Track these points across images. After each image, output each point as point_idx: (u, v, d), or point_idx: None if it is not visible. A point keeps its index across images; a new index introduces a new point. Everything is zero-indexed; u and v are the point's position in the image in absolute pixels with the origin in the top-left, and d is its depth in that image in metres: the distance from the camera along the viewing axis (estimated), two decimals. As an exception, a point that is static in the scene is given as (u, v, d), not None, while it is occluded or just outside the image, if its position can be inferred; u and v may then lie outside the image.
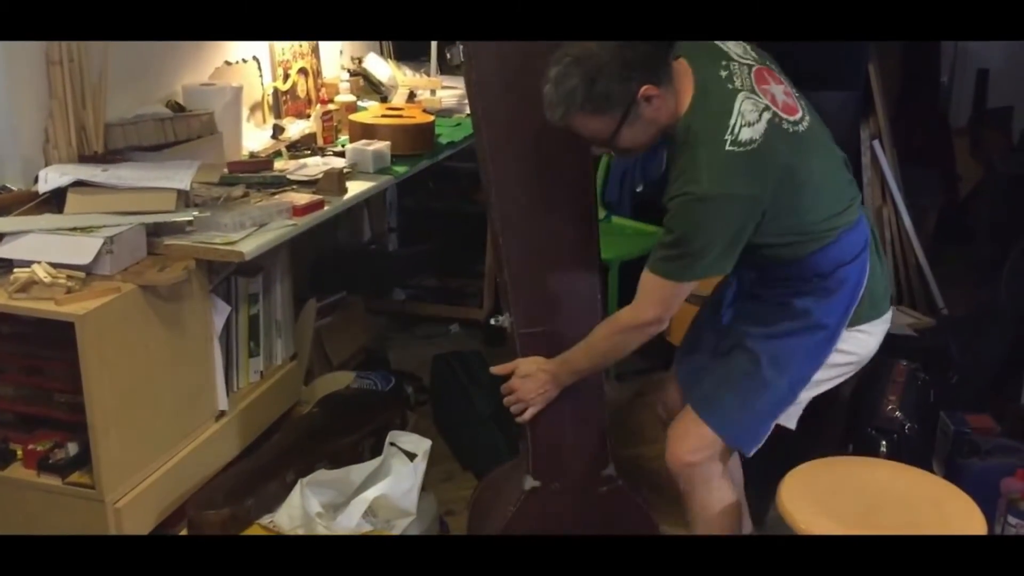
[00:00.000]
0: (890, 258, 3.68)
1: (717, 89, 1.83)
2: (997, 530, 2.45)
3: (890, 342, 3.05)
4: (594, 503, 2.28)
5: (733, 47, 1.92)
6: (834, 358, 2.00)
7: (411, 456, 2.24)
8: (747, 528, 2.27)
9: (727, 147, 1.78)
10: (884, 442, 2.48)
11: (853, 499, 1.82)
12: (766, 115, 1.81)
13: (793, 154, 1.84)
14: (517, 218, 2.19)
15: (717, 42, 1.91)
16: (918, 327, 3.23)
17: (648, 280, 1.91)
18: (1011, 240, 3.19)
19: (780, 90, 1.89)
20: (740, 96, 1.81)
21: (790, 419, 2.02)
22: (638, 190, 3.49)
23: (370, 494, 2.11)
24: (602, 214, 3.66)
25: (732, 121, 1.79)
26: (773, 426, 2.00)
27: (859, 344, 2.03)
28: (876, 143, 3.62)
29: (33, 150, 2.26)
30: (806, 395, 2.01)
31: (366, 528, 2.12)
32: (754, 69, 1.89)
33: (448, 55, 3.57)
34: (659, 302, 1.91)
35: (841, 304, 1.96)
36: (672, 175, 1.87)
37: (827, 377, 2.02)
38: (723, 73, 1.85)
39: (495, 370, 2.24)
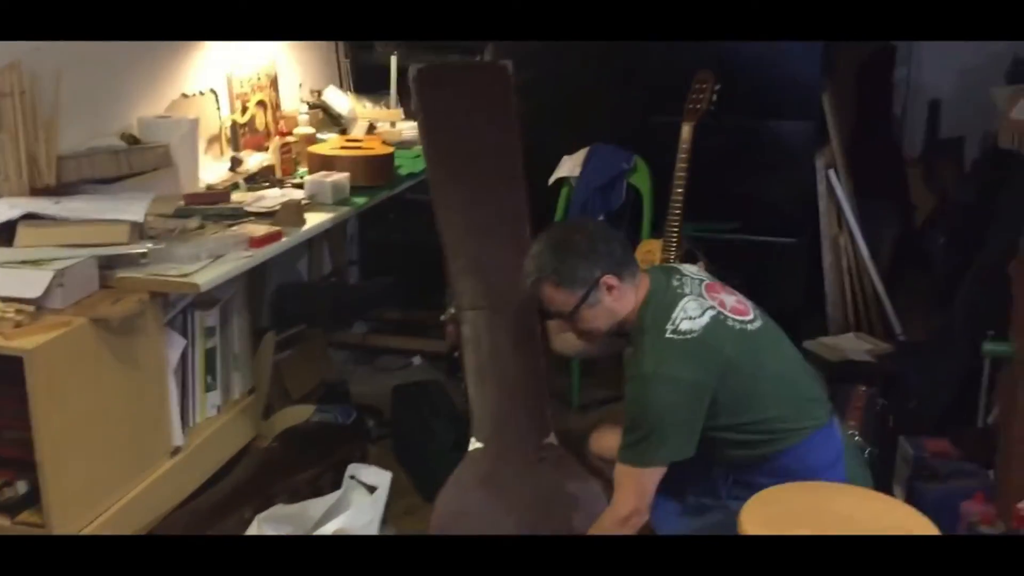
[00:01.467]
0: (848, 285, 3.72)
1: (667, 293, 2.09)
2: (958, 554, 2.46)
3: (849, 368, 3.10)
4: (536, 468, 2.39)
5: (688, 268, 2.21)
6: None
7: (371, 489, 2.22)
8: None
9: (667, 335, 2.01)
10: (845, 468, 2.48)
11: (814, 525, 1.81)
12: (710, 312, 2.04)
13: (739, 347, 2.03)
14: (460, 233, 2.53)
15: (675, 264, 2.23)
16: (876, 353, 3.26)
17: (619, 471, 2.05)
18: (965, 267, 3.23)
19: (732, 299, 2.12)
20: (686, 298, 2.06)
21: None
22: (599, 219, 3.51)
23: (328, 528, 2.08)
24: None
25: (674, 315, 2.03)
26: None
27: None
28: (831, 172, 3.67)
29: (-17, 184, 2.23)
30: None
31: (325, 564, 2.08)
32: (704, 283, 2.13)
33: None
34: (633, 492, 2.03)
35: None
36: (626, 374, 2.10)
37: None
38: (675, 283, 2.11)
39: None
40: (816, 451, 2.07)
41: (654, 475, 2.01)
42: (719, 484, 2.17)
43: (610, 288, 2.06)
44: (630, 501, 2.03)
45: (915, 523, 1.83)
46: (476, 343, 2.44)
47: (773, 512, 1.84)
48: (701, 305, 2.05)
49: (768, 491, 1.91)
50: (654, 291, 2.10)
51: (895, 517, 1.86)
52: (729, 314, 2.07)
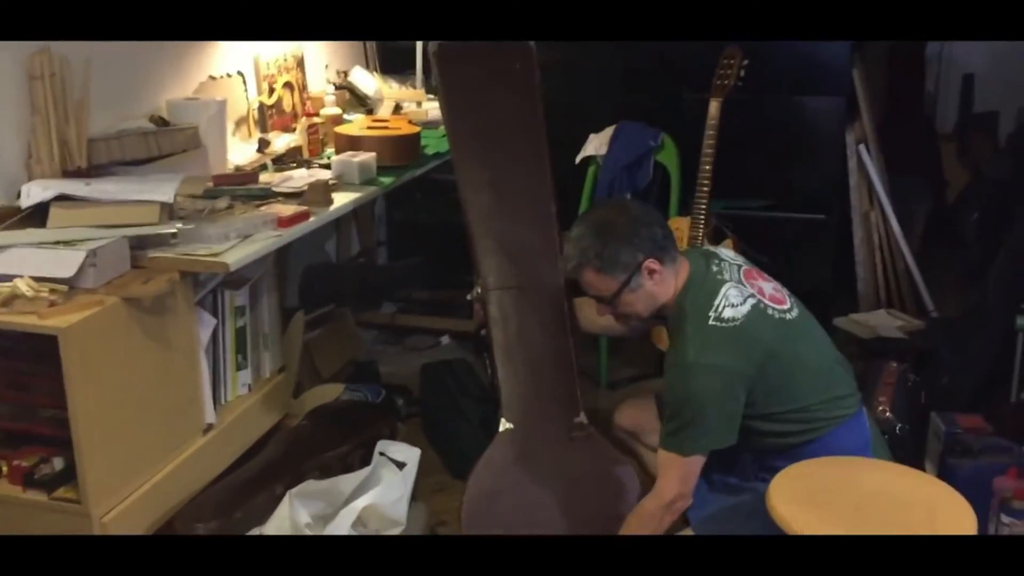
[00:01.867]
0: (879, 262, 3.68)
1: (707, 278, 2.07)
2: (991, 529, 2.44)
3: (880, 344, 3.07)
4: (566, 448, 2.38)
5: (724, 252, 2.19)
6: None
7: (400, 465, 2.23)
8: None
9: (710, 322, 2.00)
10: (876, 444, 2.47)
11: (844, 499, 1.81)
12: (751, 300, 2.03)
13: (778, 336, 2.03)
14: (486, 212, 2.51)
15: (711, 247, 2.20)
16: (907, 329, 3.23)
17: (662, 457, 2.06)
18: (998, 243, 3.19)
19: (769, 286, 2.11)
20: (727, 285, 2.04)
21: None
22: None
23: (359, 504, 2.10)
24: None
25: (717, 302, 2.02)
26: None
27: None
28: (862, 148, 3.62)
29: (16, 166, 2.26)
30: None
31: (356, 539, 2.11)
32: (743, 268, 2.12)
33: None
34: (676, 479, 2.03)
35: None
36: (667, 354, 2.11)
37: None
38: (714, 268, 2.09)
39: None
40: (844, 440, 2.07)
41: (697, 463, 2.02)
42: (747, 467, 2.17)
43: (652, 272, 2.05)
44: (674, 487, 2.03)
45: (945, 498, 1.82)
46: (503, 323, 2.44)
47: (801, 487, 1.84)
48: (742, 292, 2.04)
49: (795, 466, 1.92)
50: (694, 276, 2.08)
51: (925, 492, 1.85)
52: (768, 303, 2.06)
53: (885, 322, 3.31)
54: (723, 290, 2.03)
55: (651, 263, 2.04)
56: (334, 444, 2.45)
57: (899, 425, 2.56)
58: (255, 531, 2.14)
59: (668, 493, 2.03)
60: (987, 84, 4.75)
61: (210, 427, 2.29)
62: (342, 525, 2.07)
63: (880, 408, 2.59)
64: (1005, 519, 2.40)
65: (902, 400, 2.68)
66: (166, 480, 2.13)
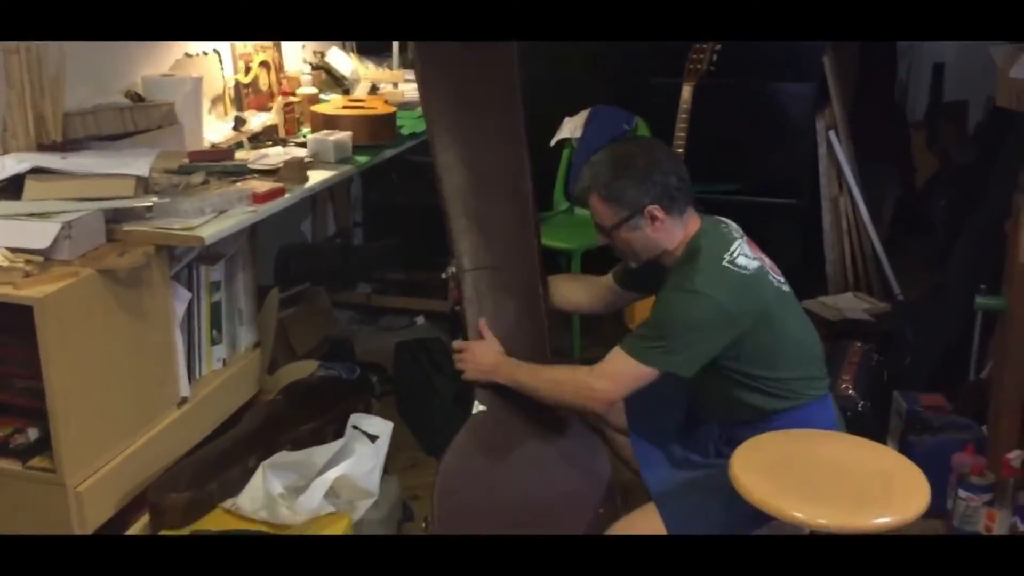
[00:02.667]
0: (847, 246, 3.75)
1: (720, 233, 2.09)
2: (948, 504, 2.52)
3: (845, 325, 3.14)
4: (539, 427, 2.36)
5: (727, 220, 2.18)
6: (778, 523, 1.99)
7: (373, 438, 2.27)
8: None
9: (724, 263, 2.01)
10: (838, 420, 2.53)
11: (803, 469, 1.86)
12: (758, 262, 2.06)
13: (776, 302, 2.05)
14: (461, 190, 2.49)
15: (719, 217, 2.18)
16: (873, 312, 3.30)
17: (613, 353, 2.05)
18: (964, 227, 3.26)
19: (767, 258, 2.13)
20: (738, 241, 2.07)
21: None
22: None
23: (331, 475, 2.13)
24: (565, 205, 3.71)
25: (733, 248, 2.04)
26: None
27: None
28: (832, 134, 3.69)
29: (-9, 140, 2.27)
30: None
31: (328, 509, 2.14)
32: (744, 238, 2.11)
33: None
34: (614, 375, 2.03)
35: None
36: (668, 279, 2.08)
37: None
38: (723, 228, 2.12)
39: (456, 344, 2.36)
40: (811, 420, 2.09)
41: (644, 375, 2.01)
42: (708, 443, 2.20)
43: (653, 219, 2.05)
44: (608, 381, 2.04)
45: (900, 468, 1.87)
46: (478, 303, 2.45)
47: (763, 457, 1.89)
48: (751, 252, 2.07)
49: (758, 438, 1.96)
50: (706, 228, 2.10)
51: (881, 463, 1.90)
52: (770, 271, 2.09)
53: (852, 304, 3.37)
54: (736, 243, 2.06)
55: (654, 209, 2.04)
56: (308, 419, 2.46)
57: (862, 402, 2.62)
58: (228, 502, 2.17)
59: (599, 382, 2.04)
60: (957, 73, 4.82)
61: (184, 400, 2.31)
62: (314, 496, 2.10)
63: (844, 386, 2.65)
64: (962, 494, 2.48)
65: (865, 379, 2.74)
66: (140, 452, 2.15)
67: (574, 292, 2.51)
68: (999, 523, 2.43)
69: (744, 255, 2.04)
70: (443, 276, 2.48)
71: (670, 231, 2.08)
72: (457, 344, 2.34)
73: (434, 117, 2.48)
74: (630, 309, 3.40)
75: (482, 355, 2.28)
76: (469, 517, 2.22)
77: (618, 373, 2.03)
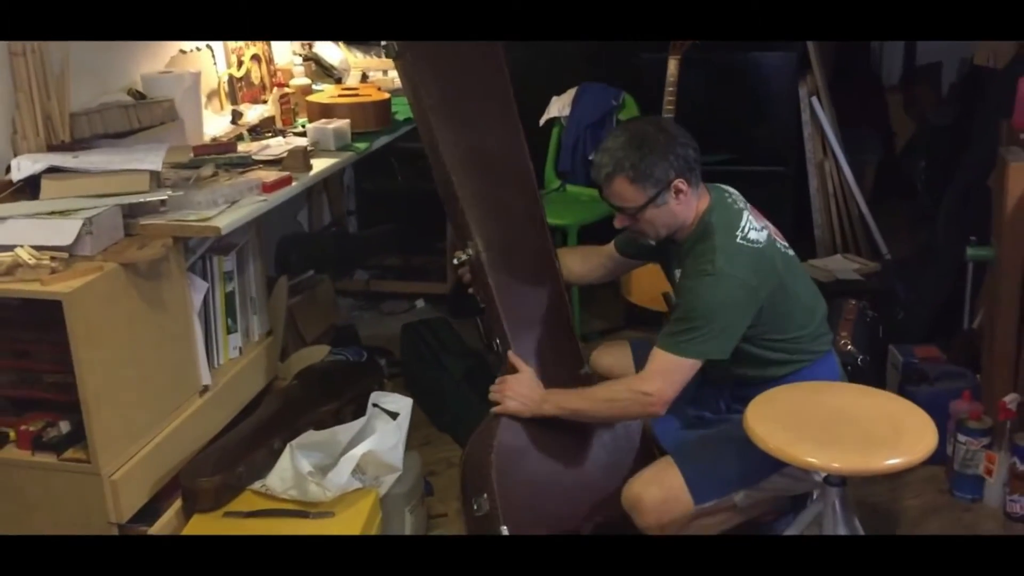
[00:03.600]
0: (834, 210, 3.83)
1: (728, 205, 2.16)
2: (948, 450, 2.61)
3: (839, 285, 3.22)
4: None
5: (731, 190, 2.25)
6: (791, 470, 2.07)
7: (394, 416, 2.33)
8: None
9: (738, 240, 2.08)
10: (839, 374, 2.62)
11: (816, 417, 1.94)
12: (766, 231, 2.14)
13: (785, 268, 2.14)
14: (470, 177, 2.45)
15: (720, 185, 2.25)
16: (864, 272, 3.39)
17: (654, 354, 2.10)
18: (945, 187, 3.35)
19: (771, 225, 2.20)
20: (746, 212, 2.15)
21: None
22: (591, 158, 3.60)
23: (358, 451, 2.18)
24: (557, 183, 3.77)
25: (743, 223, 2.11)
26: (721, 496, 2.11)
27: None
28: (814, 100, 3.76)
29: (1, 142, 2.30)
30: (754, 494, 2.13)
31: (356, 485, 2.20)
32: (749, 207, 2.19)
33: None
34: (661, 374, 2.07)
35: None
36: (686, 264, 2.13)
37: (779, 486, 2.13)
38: (728, 199, 2.19)
39: (493, 389, 2.33)
40: (817, 376, 2.18)
41: (689, 367, 2.06)
42: (718, 400, 2.29)
43: (679, 192, 2.09)
44: (656, 381, 2.07)
45: (907, 412, 1.96)
46: (505, 286, 2.39)
47: (776, 408, 1.97)
48: (758, 222, 2.14)
49: (770, 391, 2.04)
50: (716, 201, 2.15)
51: (889, 408, 1.99)
52: (776, 237, 2.17)
53: (842, 266, 3.46)
54: (745, 216, 2.12)
55: (680, 183, 2.08)
56: (326, 401, 2.52)
57: (860, 357, 2.70)
58: (258, 484, 2.22)
59: (648, 384, 2.08)
60: (929, 36, 4.90)
61: (206, 388, 2.36)
62: (343, 472, 2.16)
63: (842, 342, 2.74)
64: (962, 438, 2.58)
65: (862, 334, 2.83)
66: (168, 439, 2.20)
67: (577, 263, 2.56)
68: (998, 464, 2.52)
69: (753, 228, 2.11)
70: (455, 262, 2.45)
71: (690, 204, 2.13)
72: (494, 388, 2.31)
73: (432, 112, 2.45)
74: (627, 280, 3.48)
75: (527, 389, 2.28)
76: (528, 490, 2.26)
77: (666, 372, 2.07)
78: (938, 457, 2.22)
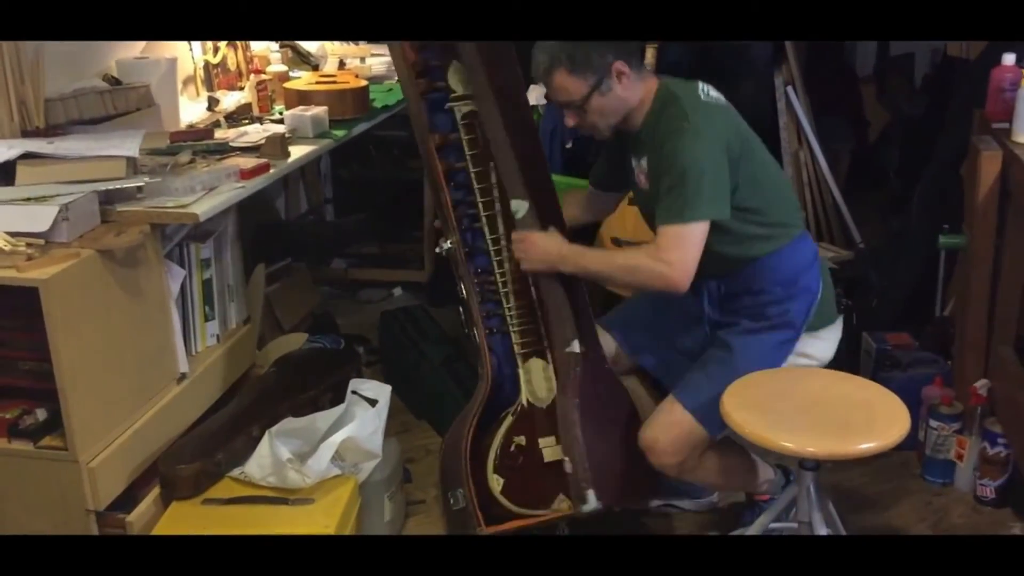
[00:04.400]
0: (809, 198, 3.86)
1: (679, 79, 2.17)
2: (920, 435, 2.65)
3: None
4: (570, 378, 2.31)
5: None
6: (795, 360, 2.19)
7: (372, 403, 2.33)
8: (763, 471, 2.40)
9: (702, 99, 2.09)
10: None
11: (791, 402, 1.97)
12: (723, 100, 2.15)
13: (749, 133, 2.14)
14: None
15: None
16: (838, 260, 3.42)
17: (662, 230, 2.05)
18: (918, 176, 3.39)
19: None
20: (700, 82, 2.15)
21: None
22: (568, 146, 3.61)
23: (337, 438, 2.19)
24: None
25: (700, 88, 2.13)
26: None
27: (818, 349, 2.24)
28: (790, 89, 3.79)
29: (-25, 127, 2.28)
30: None
31: (335, 472, 2.21)
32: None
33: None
34: (677, 244, 2.03)
35: (802, 309, 2.19)
36: (658, 135, 2.09)
37: None
38: (677, 78, 2.19)
39: (516, 235, 2.26)
40: (797, 253, 2.18)
41: (698, 231, 2.02)
42: (704, 304, 2.24)
43: (620, 75, 2.07)
44: (674, 252, 2.03)
45: (881, 398, 1.99)
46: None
47: (753, 395, 1.99)
48: (715, 91, 2.14)
49: (746, 377, 2.06)
50: (666, 80, 2.15)
51: (863, 394, 2.02)
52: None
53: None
54: (700, 83, 2.12)
55: (620, 65, 2.06)
56: (304, 388, 2.51)
57: (834, 344, 2.74)
58: (237, 471, 2.22)
59: (666, 254, 2.03)
60: (902, 27, 4.95)
61: (184, 376, 2.35)
62: (322, 459, 2.16)
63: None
64: (933, 424, 2.62)
65: (836, 321, 2.86)
66: (146, 427, 2.20)
67: (566, 208, 2.46)
68: (969, 449, 2.57)
69: (712, 91, 2.12)
70: (437, 251, 2.39)
71: (636, 87, 2.11)
72: (516, 235, 2.26)
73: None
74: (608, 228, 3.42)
75: (546, 244, 2.22)
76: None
77: (679, 241, 2.02)
78: (910, 442, 2.26)
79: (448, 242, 2.33)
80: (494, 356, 2.34)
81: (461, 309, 2.41)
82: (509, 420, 2.29)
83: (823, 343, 2.25)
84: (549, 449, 2.29)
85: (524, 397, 2.31)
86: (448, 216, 2.33)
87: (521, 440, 2.30)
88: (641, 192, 2.24)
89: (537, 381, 2.32)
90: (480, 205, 2.32)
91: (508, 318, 2.32)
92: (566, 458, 2.22)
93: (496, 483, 2.25)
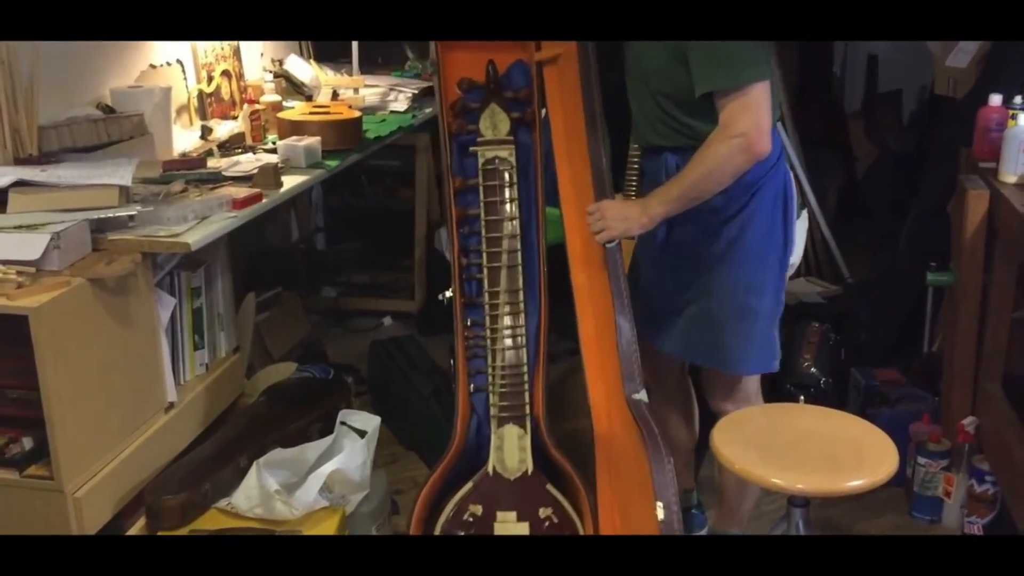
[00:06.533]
0: (797, 233, 3.88)
1: None
2: (908, 472, 2.65)
3: (802, 308, 3.27)
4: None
5: None
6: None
7: (361, 434, 2.32)
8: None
9: None
10: (802, 397, 2.66)
11: (780, 438, 1.97)
12: None
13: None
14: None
15: None
16: (826, 294, 3.44)
17: (719, 107, 1.93)
18: (906, 212, 3.42)
19: None
20: None
21: None
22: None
23: (325, 469, 2.18)
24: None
25: None
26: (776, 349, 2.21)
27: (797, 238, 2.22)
28: (779, 124, 3.81)
29: (-33, 155, 2.28)
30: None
31: (323, 503, 2.19)
32: None
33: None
34: (740, 114, 1.90)
35: (779, 212, 2.13)
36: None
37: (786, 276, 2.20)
38: None
39: (590, 208, 2.14)
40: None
41: (762, 92, 1.90)
42: (662, 173, 2.13)
43: None
44: (741, 121, 1.89)
45: (869, 435, 1.99)
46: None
47: (743, 430, 1.99)
48: None
49: (736, 413, 2.07)
50: None
51: (851, 431, 2.02)
52: None
53: (806, 289, 3.51)
54: None
55: None
56: (292, 418, 2.51)
57: (823, 379, 2.75)
58: (223, 502, 2.21)
59: (735, 127, 1.90)
60: (890, 64, 5.01)
61: (172, 405, 2.34)
62: (310, 490, 2.15)
63: (805, 364, 2.78)
64: (921, 460, 2.63)
65: (824, 357, 2.88)
66: (133, 456, 2.18)
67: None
68: (956, 486, 2.57)
69: None
70: (439, 298, 2.39)
71: None
72: (590, 207, 2.14)
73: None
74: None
75: (621, 204, 2.13)
76: None
77: (743, 108, 1.90)
78: (898, 479, 2.26)
79: (450, 291, 2.29)
80: (475, 415, 2.26)
81: (451, 362, 2.38)
82: (468, 486, 2.17)
83: (798, 236, 2.22)
84: (503, 525, 2.15)
85: (491, 464, 2.18)
86: (453, 262, 2.26)
87: (477, 510, 2.17)
88: (648, 73, 2.08)
89: (509, 449, 2.19)
90: (485, 255, 2.21)
91: (491, 377, 2.21)
92: (659, 503, 1.98)
93: None
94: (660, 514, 1.96)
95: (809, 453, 1.93)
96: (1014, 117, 2.52)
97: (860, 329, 3.11)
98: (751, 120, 1.91)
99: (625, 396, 2.12)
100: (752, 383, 2.27)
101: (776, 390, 2.72)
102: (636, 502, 2.09)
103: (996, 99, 2.62)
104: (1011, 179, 2.47)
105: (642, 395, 2.12)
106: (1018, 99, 2.54)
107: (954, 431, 2.61)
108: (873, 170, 4.80)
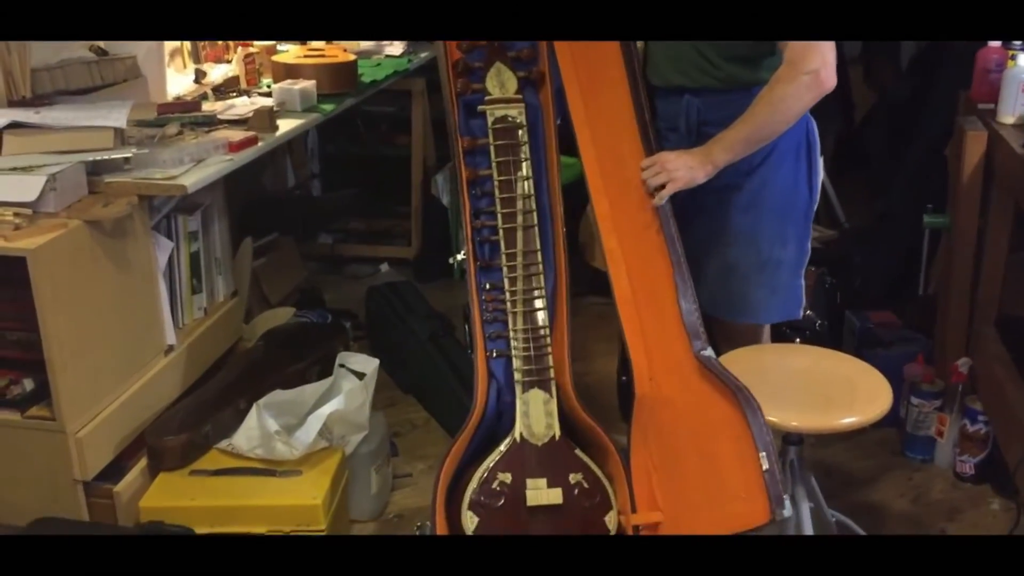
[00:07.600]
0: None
1: None
2: (901, 412, 2.68)
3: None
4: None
5: None
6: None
7: (360, 376, 2.34)
8: None
9: None
10: (798, 339, 2.68)
11: (775, 377, 1.99)
12: None
13: None
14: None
15: None
16: (822, 239, 3.45)
17: (784, 46, 1.92)
18: (902, 157, 3.41)
19: None
20: None
21: None
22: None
23: (324, 411, 2.20)
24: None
25: None
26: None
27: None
28: (777, 69, 3.79)
29: (-40, 97, 2.26)
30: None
31: (322, 444, 2.22)
32: None
33: None
34: (805, 52, 1.88)
35: (802, 160, 2.14)
36: None
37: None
38: None
39: (645, 162, 2.07)
40: None
41: None
42: (681, 119, 2.14)
43: None
44: (808, 61, 1.87)
45: (863, 373, 2.02)
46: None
47: (739, 371, 2.00)
48: None
49: (732, 353, 2.08)
50: None
51: (846, 369, 2.04)
52: None
53: (802, 233, 3.51)
54: None
55: None
56: (291, 362, 2.52)
57: (819, 322, 2.76)
58: (224, 443, 2.23)
59: (804, 64, 1.87)
60: (890, 9, 4.96)
61: (171, 348, 2.35)
62: (310, 431, 2.17)
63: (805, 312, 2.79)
64: (915, 401, 2.65)
65: (821, 300, 2.89)
66: (133, 398, 2.20)
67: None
68: (949, 426, 2.60)
69: None
70: (451, 262, 2.31)
71: None
72: (646, 160, 2.07)
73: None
74: (590, 245, 3.49)
75: (680, 154, 2.03)
76: None
77: (814, 45, 1.88)
78: (891, 420, 2.29)
79: (462, 253, 2.26)
80: (495, 381, 2.14)
81: (467, 327, 2.36)
82: (497, 453, 2.07)
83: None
84: (535, 492, 2.04)
85: (518, 431, 2.07)
86: (465, 224, 2.19)
87: (507, 477, 2.07)
88: None
89: (535, 415, 2.09)
90: (500, 216, 2.13)
91: (513, 341, 2.10)
92: (763, 454, 1.85)
93: (470, 522, 1.99)
94: (764, 463, 1.85)
95: (804, 391, 1.96)
96: (1013, 58, 2.51)
97: (856, 273, 3.12)
98: (820, 56, 1.88)
99: (694, 353, 2.03)
100: (767, 332, 2.29)
101: (772, 333, 2.73)
102: (677, 463, 2.04)
103: (995, 40, 2.60)
104: (1009, 119, 2.47)
105: (709, 351, 2.05)
106: (1017, 41, 2.53)
107: (947, 372, 2.63)
108: (871, 117, 4.77)
